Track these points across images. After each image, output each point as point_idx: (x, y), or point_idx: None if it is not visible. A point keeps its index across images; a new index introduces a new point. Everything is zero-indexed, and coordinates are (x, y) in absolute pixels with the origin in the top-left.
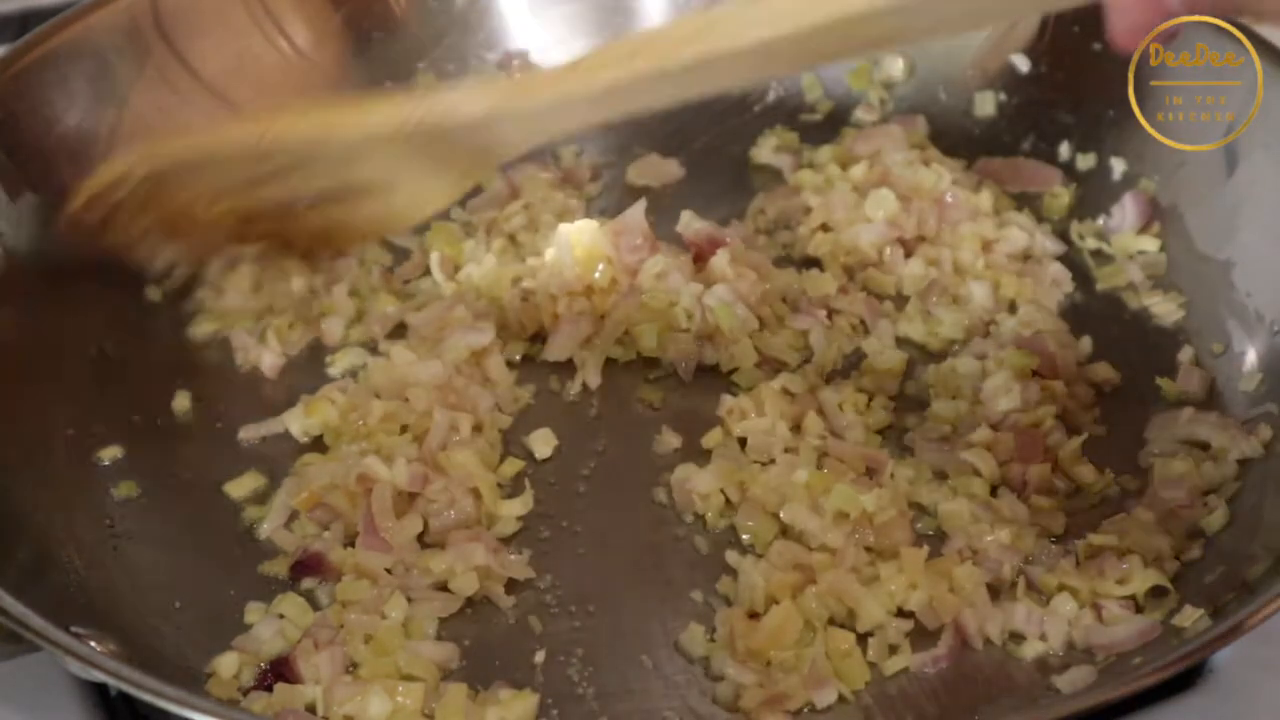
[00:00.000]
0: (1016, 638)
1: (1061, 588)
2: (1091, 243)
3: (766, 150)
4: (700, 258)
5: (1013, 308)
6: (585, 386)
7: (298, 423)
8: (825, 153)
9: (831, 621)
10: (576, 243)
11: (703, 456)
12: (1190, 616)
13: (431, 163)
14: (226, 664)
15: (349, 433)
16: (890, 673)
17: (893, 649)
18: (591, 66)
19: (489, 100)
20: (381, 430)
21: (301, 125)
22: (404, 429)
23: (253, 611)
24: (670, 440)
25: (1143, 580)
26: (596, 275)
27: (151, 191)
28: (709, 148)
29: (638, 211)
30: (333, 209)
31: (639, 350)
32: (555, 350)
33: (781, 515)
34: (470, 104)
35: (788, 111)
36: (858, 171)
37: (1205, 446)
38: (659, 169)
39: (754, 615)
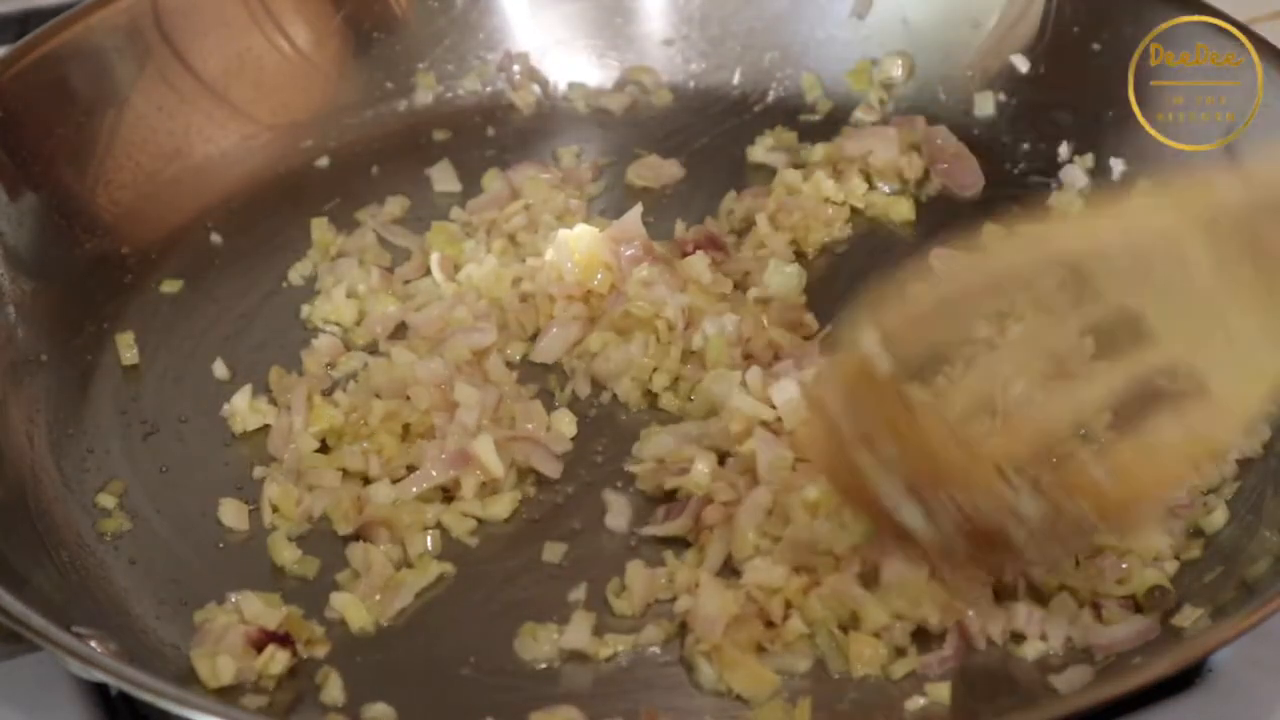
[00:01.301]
0: (1017, 638)
1: (1061, 588)
2: None
3: (762, 150)
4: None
5: None
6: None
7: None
8: (818, 151)
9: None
10: (575, 248)
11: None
12: (1190, 616)
13: (1246, 293)
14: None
15: (351, 434)
16: (898, 676)
17: (899, 651)
18: None
19: None
20: (384, 430)
21: (1065, 233)
22: (406, 429)
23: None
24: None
25: (1142, 580)
26: (595, 282)
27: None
28: (709, 148)
29: (635, 216)
30: (1121, 445)
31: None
32: (543, 353)
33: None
34: None
35: (788, 111)
36: (828, 185)
37: None
38: (659, 169)
39: (769, 623)
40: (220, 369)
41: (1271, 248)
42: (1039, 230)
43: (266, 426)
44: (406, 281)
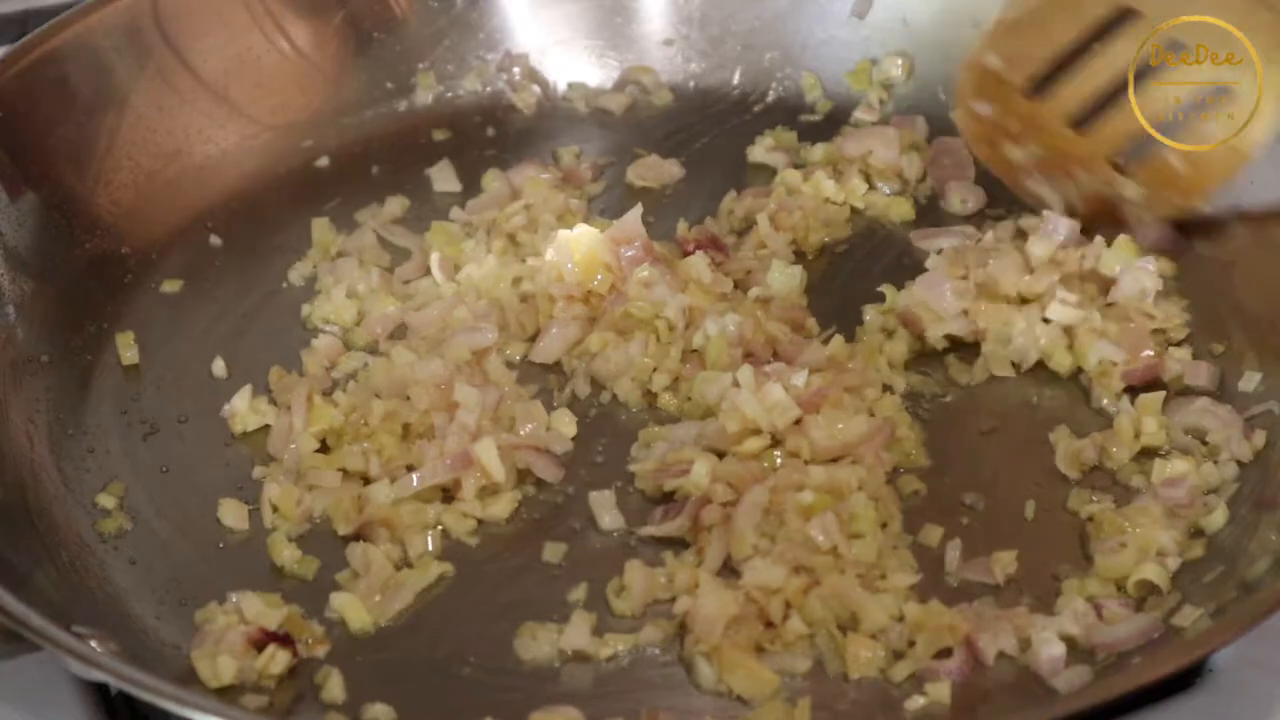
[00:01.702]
0: (1021, 640)
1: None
2: None
3: (762, 150)
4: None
5: None
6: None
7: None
8: (818, 151)
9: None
10: (575, 249)
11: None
12: (1190, 616)
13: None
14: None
15: (351, 434)
16: (899, 679)
17: (898, 655)
18: None
19: None
20: (384, 430)
21: None
22: (406, 429)
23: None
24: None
25: (1140, 571)
26: (595, 282)
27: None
28: (709, 148)
29: (635, 217)
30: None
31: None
32: (542, 353)
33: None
34: None
35: (788, 112)
36: (828, 186)
37: (1204, 440)
38: (659, 169)
39: (768, 624)
40: (220, 368)
41: None
42: None
43: (266, 426)
44: (406, 281)
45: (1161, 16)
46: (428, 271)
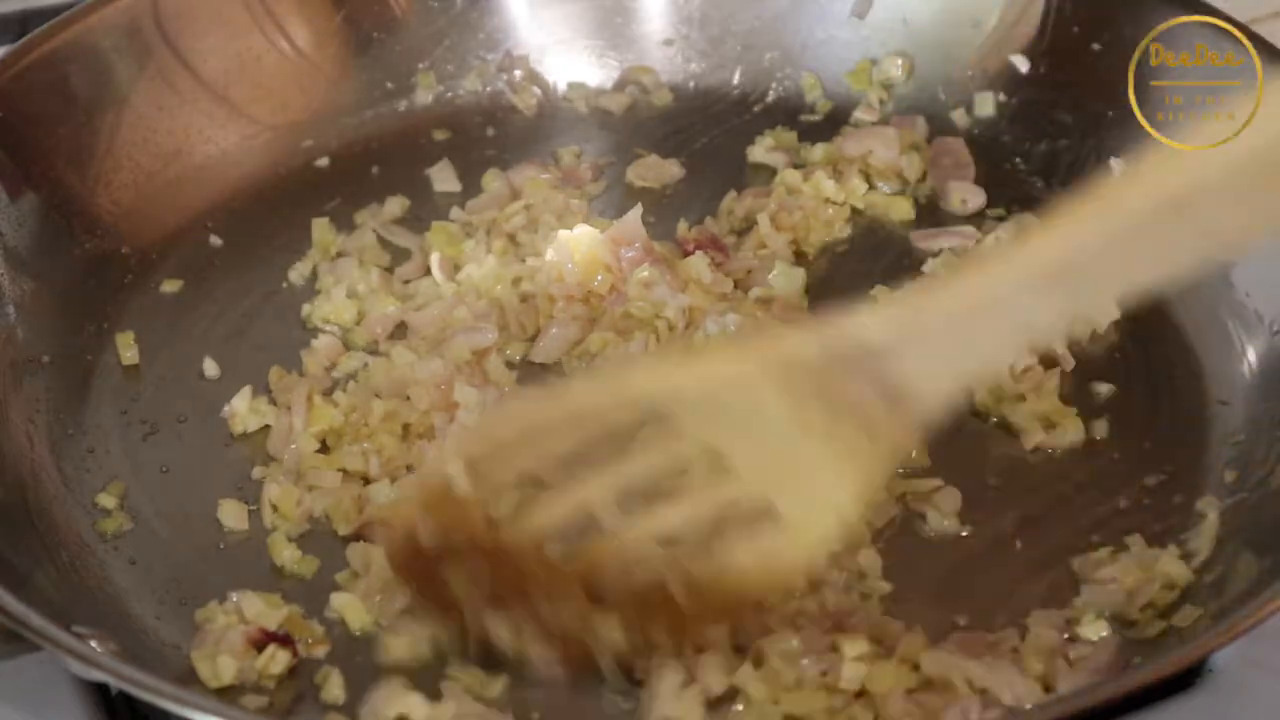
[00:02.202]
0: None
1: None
2: None
3: (761, 150)
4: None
5: None
6: None
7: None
8: (818, 151)
9: None
10: (575, 249)
11: None
12: (1190, 616)
13: (823, 433)
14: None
15: (351, 434)
16: None
17: None
18: (1021, 244)
19: (893, 318)
20: (383, 430)
21: (645, 377)
22: (405, 429)
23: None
24: None
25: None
26: (596, 283)
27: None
28: (709, 148)
29: (635, 217)
30: (701, 560)
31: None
32: (542, 353)
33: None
34: (867, 327)
35: (788, 112)
36: (828, 185)
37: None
38: (659, 170)
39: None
40: (214, 368)
41: (839, 394)
42: (621, 373)
43: (267, 427)
44: (406, 281)
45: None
46: (428, 271)
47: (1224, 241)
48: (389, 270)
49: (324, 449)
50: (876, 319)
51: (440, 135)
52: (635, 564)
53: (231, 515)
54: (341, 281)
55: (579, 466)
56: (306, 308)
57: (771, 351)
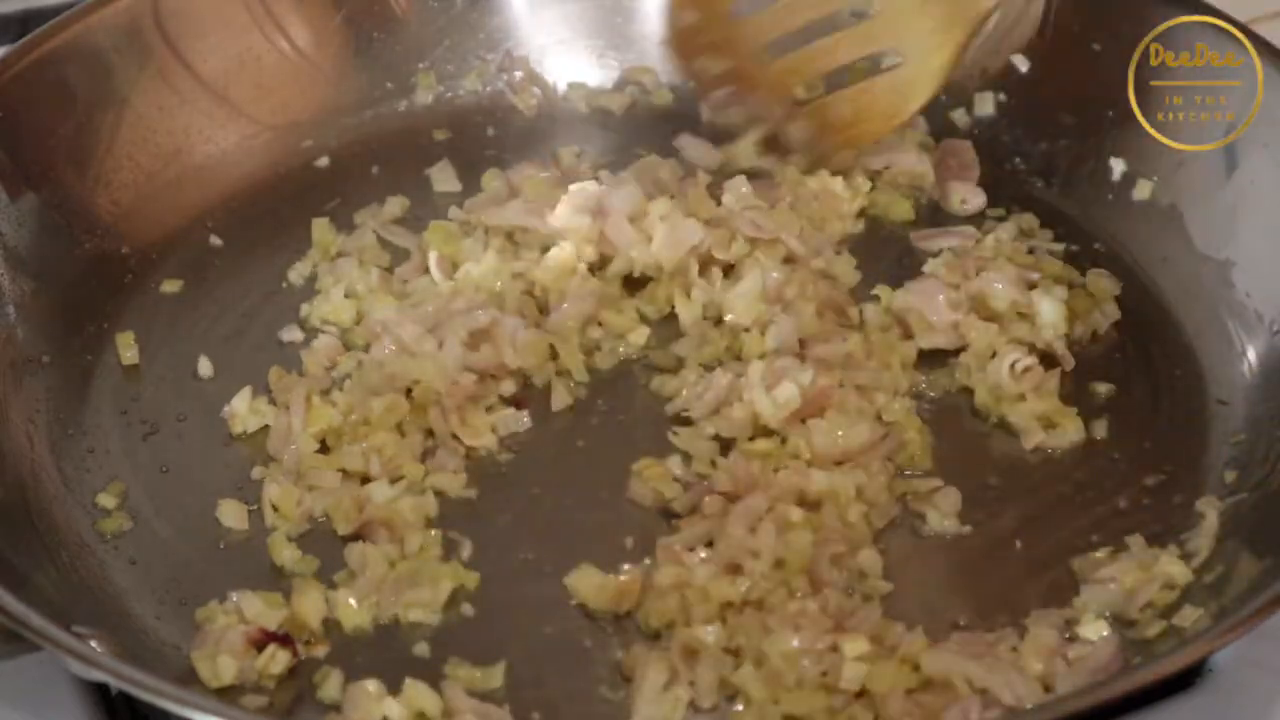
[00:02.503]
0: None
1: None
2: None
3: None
4: None
5: None
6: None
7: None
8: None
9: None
10: (570, 227)
11: None
12: (1190, 616)
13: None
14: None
15: (350, 434)
16: None
17: None
18: None
19: None
20: (382, 429)
21: None
22: (400, 426)
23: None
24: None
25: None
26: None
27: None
28: None
29: (629, 189)
30: (858, 92)
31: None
32: (555, 325)
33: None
34: None
35: None
36: (835, 184)
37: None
38: (659, 170)
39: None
40: (214, 368)
41: None
42: None
43: (266, 427)
44: (405, 281)
45: None
46: (427, 271)
47: None
48: (389, 270)
49: (324, 449)
50: None
51: (440, 135)
52: (824, 67)
53: (231, 515)
54: (341, 282)
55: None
56: (306, 307)
57: None
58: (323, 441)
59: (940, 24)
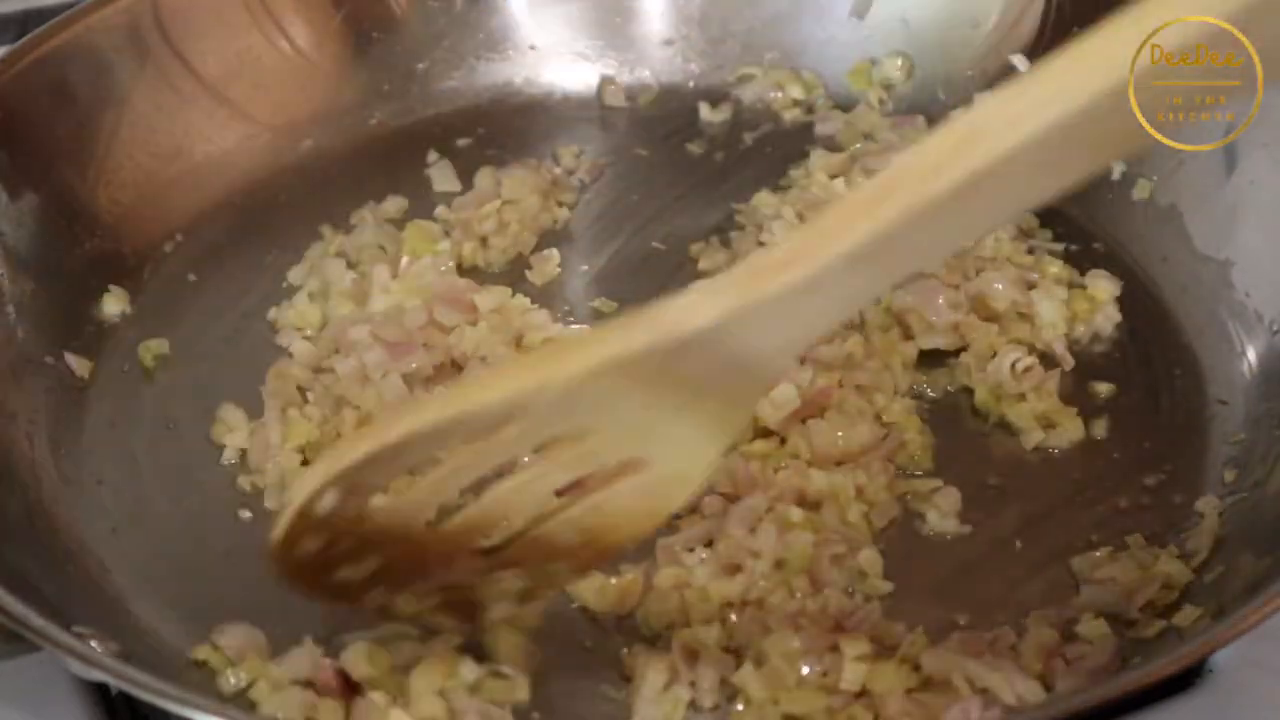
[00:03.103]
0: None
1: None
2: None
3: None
4: None
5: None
6: None
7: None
8: (834, 162)
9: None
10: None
11: None
12: (1190, 616)
13: (677, 404)
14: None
15: (329, 445)
16: None
17: None
18: (830, 226)
19: (718, 301)
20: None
21: (503, 381)
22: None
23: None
24: None
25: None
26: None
27: (358, 508)
28: (710, 147)
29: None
30: (583, 513)
31: None
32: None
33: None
34: (695, 312)
35: None
36: (837, 185)
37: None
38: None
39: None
40: (214, 369)
41: (683, 374)
42: (471, 386)
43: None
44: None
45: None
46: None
47: (1023, 206)
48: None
49: (307, 461)
50: (703, 303)
51: (440, 135)
52: (518, 514)
53: (229, 516)
54: (303, 287)
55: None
56: (273, 311)
57: (609, 347)
58: (304, 452)
59: (706, 423)
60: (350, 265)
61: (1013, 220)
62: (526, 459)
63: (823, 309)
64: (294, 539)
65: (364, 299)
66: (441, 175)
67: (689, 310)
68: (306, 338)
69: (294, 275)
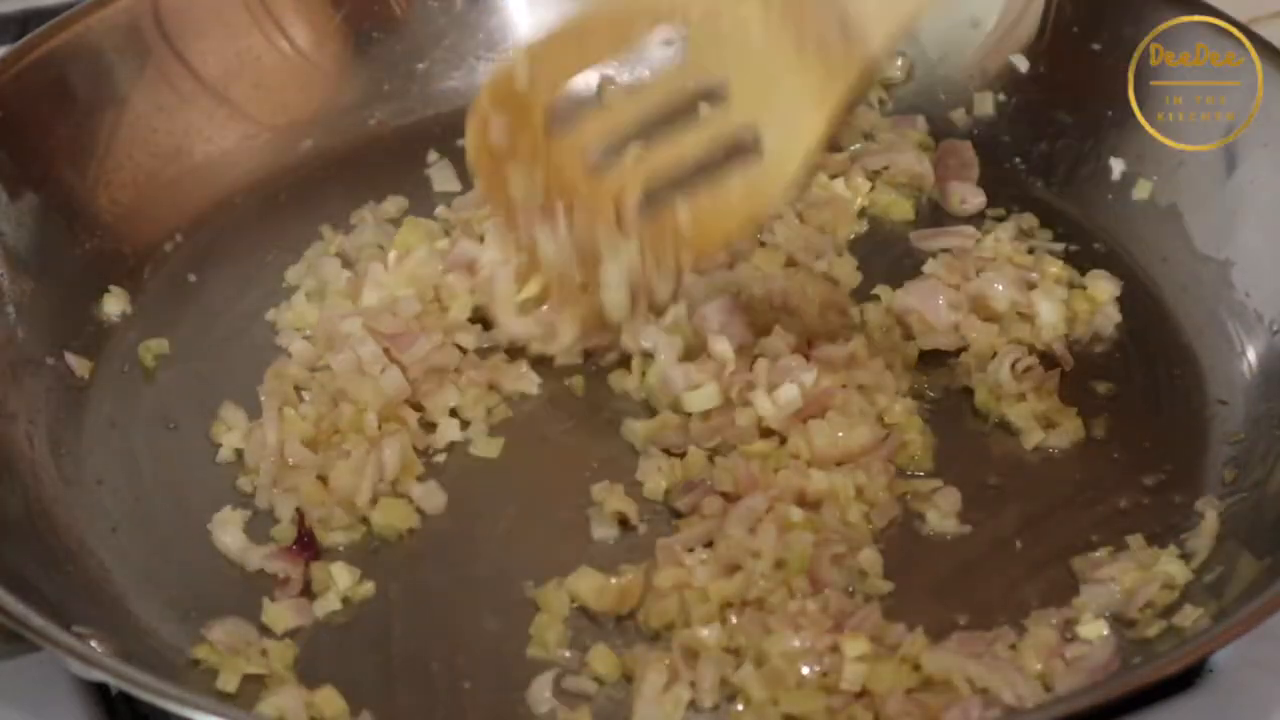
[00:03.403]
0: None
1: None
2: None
3: None
4: None
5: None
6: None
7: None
8: (835, 161)
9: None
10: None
11: None
12: (1190, 616)
13: (792, 59)
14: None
15: (324, 443)
16: None
17: None
18: None
19: None
20: (353, 433)
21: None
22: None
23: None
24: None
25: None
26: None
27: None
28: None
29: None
30: (704, 189)
31: None
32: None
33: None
34: None
35: None
36: (837, 185)
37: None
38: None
39: None
40: (213, 369)
41: (805, 21)
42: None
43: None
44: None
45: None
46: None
47: None
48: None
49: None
50: None
51: (440, 135)
52: (652, 187)
53: (226, 517)
54: (300, 287)
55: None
56: (272, 313)
57: None
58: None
59: (811, 90)
60: (347, 264)
61: None
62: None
63: None
64: (490, 111)
65: (359, 296)
66: (441, 175)
67: None
68: (306, 337)
69: (292, 275)
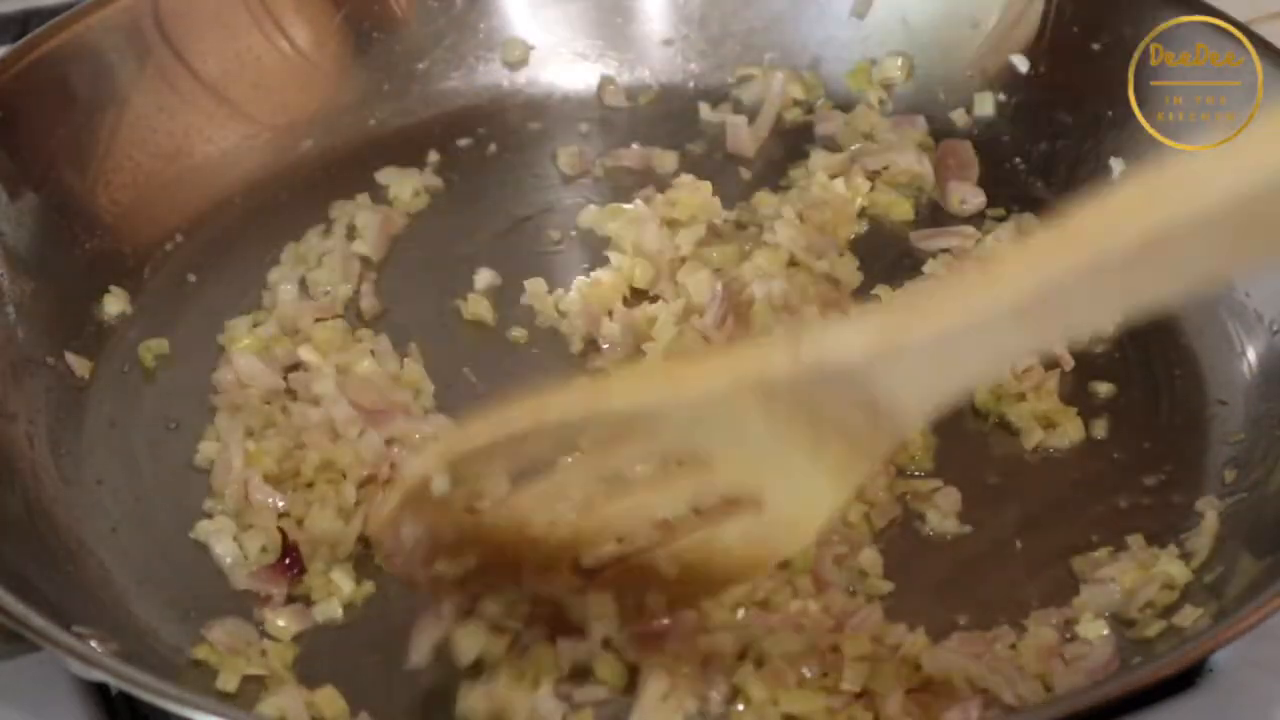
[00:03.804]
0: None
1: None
2: None
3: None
4: None
5: None
6: None
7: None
8: (834, 162)
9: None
10: None
11: None
12: (1190, 616)
13: (803, 443)
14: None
15: (289, 482)
16: None
17: None
18: (1000, 272)
19: (870, 338)
20: (322, 480)
21: (636, 386)
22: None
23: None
24: None
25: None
26: None
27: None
28: (710, 147)
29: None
30: (689, 547)
31: None
32: None
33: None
34: (845, 344)
35: None
36: (836, 185)
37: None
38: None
39: None
40: (213, 369)
41: (820, 410)
42: (597, 383)
43: None
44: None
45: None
46: None
47: (1200, 278)
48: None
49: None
50: (857, 336)
51: (440, 135)
52: (623, 538)
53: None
54: (265, 323)
55: (559, 460)
56: (221, 337)
57: (750, 368)
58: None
59: (829, 467)
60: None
61: (1181, 292)
62: (641, 481)
63: (973, 360)
64: (400, 517)
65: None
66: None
67: (839, 342)
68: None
69: (274, 276)
